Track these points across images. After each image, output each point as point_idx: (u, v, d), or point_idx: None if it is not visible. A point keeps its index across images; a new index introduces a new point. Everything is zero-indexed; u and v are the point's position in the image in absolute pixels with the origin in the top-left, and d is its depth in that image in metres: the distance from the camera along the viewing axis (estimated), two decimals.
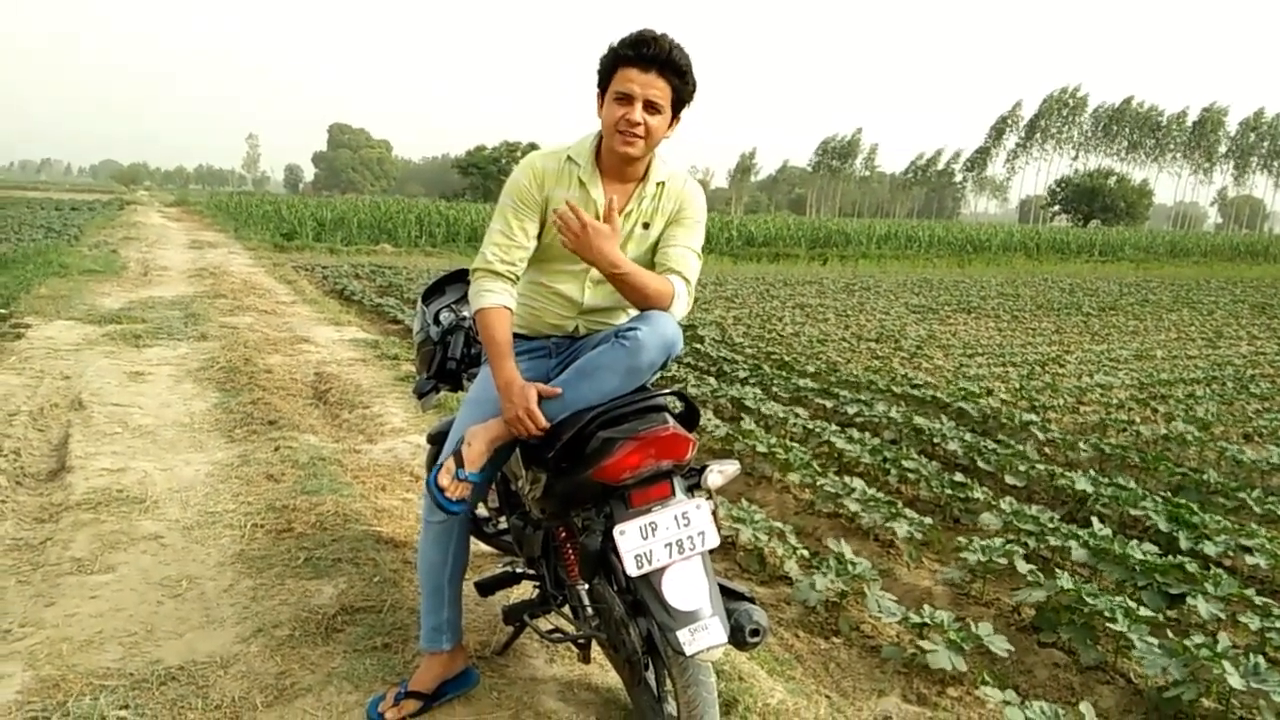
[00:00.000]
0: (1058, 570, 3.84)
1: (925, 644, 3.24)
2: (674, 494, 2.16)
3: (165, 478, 4.40)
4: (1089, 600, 3.43)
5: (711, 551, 2.17)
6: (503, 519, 3.04)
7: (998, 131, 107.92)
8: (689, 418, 2.33)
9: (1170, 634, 3.28)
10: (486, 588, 2.85)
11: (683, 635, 1.98)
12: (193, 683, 2.63)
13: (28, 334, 7.80)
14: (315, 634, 2.95)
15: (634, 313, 2.45)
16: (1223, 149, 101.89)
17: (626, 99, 2.21)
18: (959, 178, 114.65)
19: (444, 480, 2.25)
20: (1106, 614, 3.34)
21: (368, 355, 7.93)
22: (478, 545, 3.24)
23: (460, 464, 2.25)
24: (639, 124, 2.21)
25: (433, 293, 3.10)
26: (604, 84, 2.27)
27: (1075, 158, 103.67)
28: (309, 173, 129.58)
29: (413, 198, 61.82)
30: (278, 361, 7.31)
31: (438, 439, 3.00)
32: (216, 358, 7.18)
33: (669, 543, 2.08)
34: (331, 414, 5.97)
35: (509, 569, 2.87)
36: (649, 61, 2.19)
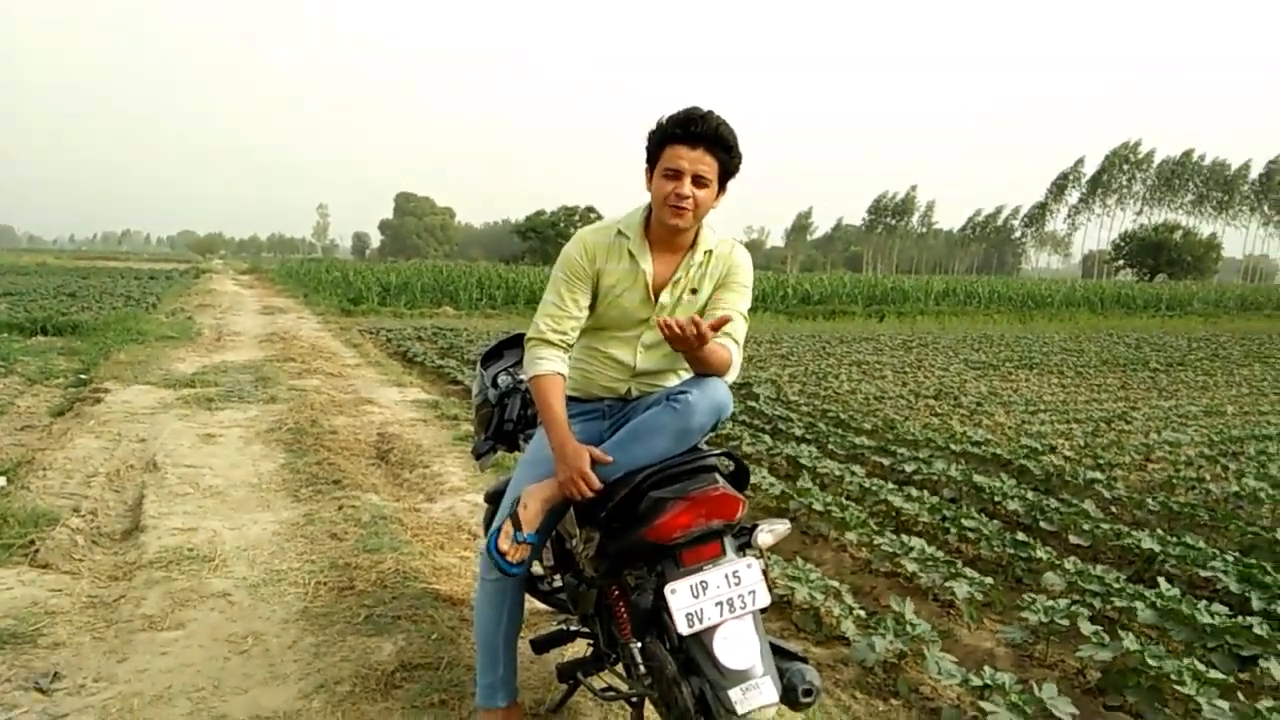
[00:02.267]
0: (1123, 631, 3.74)
1: (986, 706, 3.17)
2: (724, 553, 2.20)
3: (234, 536, 4.54)
4: (1155, 662, 3.34)
5: (763, 610, 2.19)
6: (557, 577, 3.09)
7: (1059, 187, 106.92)
8: (739, 477, 2.37)
9: (1241, 697, 3.17)
10: (541, 645, 2.89)
11: (734, 694, 2.00)
12: None
13: (106, 398, 8.12)
14: (375, 690, 3.01)
15: (685, 374, 2.52)
16: None
17: (676, 174, 2.30)
18: (1019, 233, 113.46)
19: (504, 545, 2.32)
20: (1174, 676, 3.25)
21: (428, 415, 8.10)
22: (533, 603, 3.28)
23: (518, 526, 2.32)
24: (688, 198, 2.30)
25: (491, 357, 3.20)
26: (653, 159, 2.37)
27: (1139, 212, 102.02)
28: (375, 239, 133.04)
29: (473, 261, 63.11)
30: (343, 423, 7.50)
31: (494, 498, 3.08)
32: (285, 419, 7.39)
33: (720, 601, 2.11)
34: (393, 473, 6.10)
35: (563, 627, 2.91)
36: (697, 139, 2.29)
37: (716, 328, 2.16)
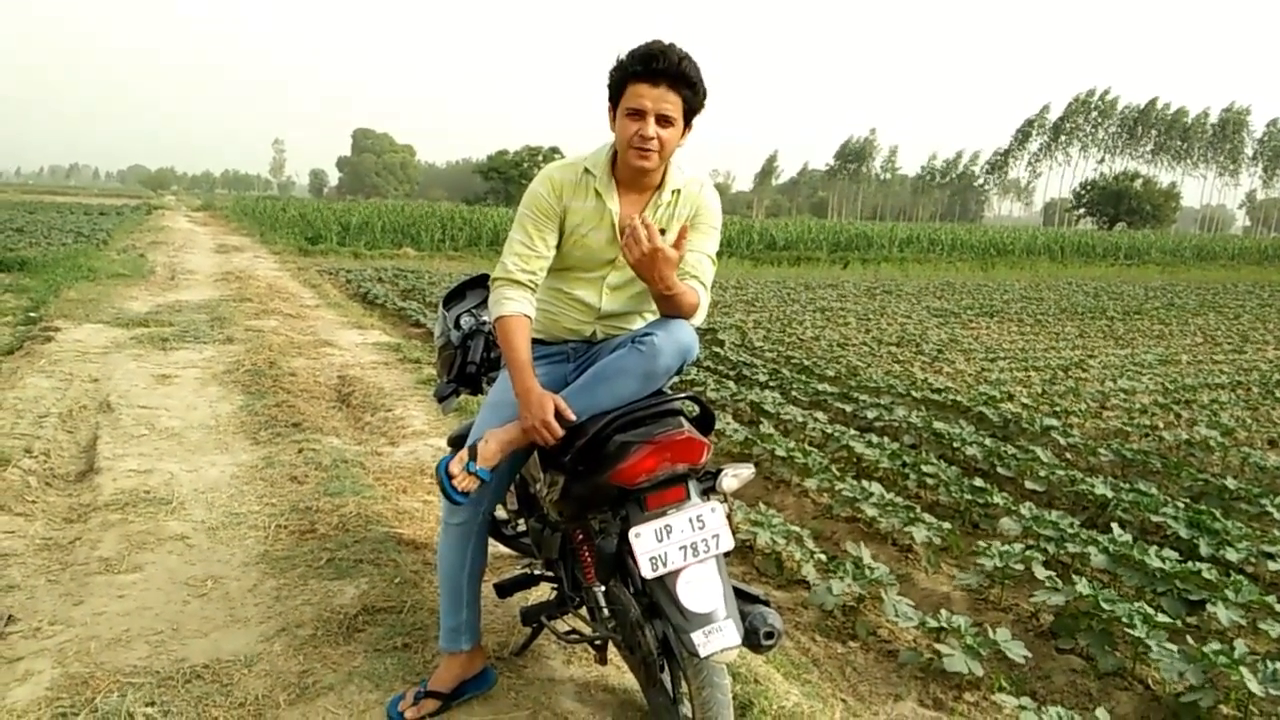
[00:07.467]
0: (1076, 576, 3.83)
1: (942, 649, 3.24)
2: (689, 497, 2.19)
3: (191, 479, 4.47)
4: (1107, 606, 3.42)
5: (727, 554, 2.19)
6: (521, 521, 3.08)
7: (1023, 134, 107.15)
8: (704, 422, 2.35)
9: (1189, 640, 3.27)
10: (505, 589, 2.89)
11: (697, 637, 2.00)
12: (217, 681, 2.69)
13: (57, 337, 7.93)
14: (337, 634, 3.00)
15: (650, 317, 2.48)
16: (1249, 151, 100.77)
17: (639, 114, 2.22)
18: (981, 180, 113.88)
19: (454, 469, 2.29)
20: (1124, 620, 3.33)
21: (390, 358, 8.01)
22: (497, 547, 3.27)
23: (473, 457, 2.29)
24: (653, 139, 2.22)
25: (453, 298, 3.14)
26: (615, 98, 2.28)
27: (1101, 160, 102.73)
28: (334, 177, 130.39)
29: (435, 202, 62.13)
30: (302, 365, 7.40)
31: (458, 442, 3.03)
32: (242, 361, 7.27)
33: (684, 545, 2.10)
34: (354, 417, 6.04)
35: (527, 571, 2.91)
36: (659, 75, 2.20)
37: (677, 246, 2.14)
